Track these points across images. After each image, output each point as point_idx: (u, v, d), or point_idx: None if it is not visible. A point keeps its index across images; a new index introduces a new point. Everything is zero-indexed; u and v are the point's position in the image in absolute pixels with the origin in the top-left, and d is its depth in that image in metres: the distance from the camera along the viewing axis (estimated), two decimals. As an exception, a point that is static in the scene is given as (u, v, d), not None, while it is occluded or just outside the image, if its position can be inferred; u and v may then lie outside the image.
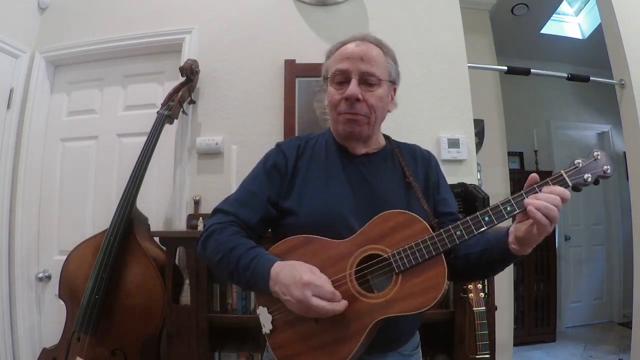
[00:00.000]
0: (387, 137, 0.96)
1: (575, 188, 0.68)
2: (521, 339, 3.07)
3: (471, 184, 1.58)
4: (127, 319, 1.39)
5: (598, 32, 2.75)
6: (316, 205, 0.82)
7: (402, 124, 1.77)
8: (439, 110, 1.79)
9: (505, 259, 0.74)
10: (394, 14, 1.87)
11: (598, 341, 3.26)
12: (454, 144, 1.74)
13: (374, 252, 0.74)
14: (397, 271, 0.71)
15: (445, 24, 1.87)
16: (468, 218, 0.70)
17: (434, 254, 0.70)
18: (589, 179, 0.67)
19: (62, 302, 1.48)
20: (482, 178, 2.27)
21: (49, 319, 1.78)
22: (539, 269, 3.32)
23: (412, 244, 0.71)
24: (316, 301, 0.67)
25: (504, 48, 3.05)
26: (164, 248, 1.47)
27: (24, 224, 1.80)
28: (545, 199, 0.64)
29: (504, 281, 2.22)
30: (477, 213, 0.69)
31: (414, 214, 0.74)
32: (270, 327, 0.77)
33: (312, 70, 1.68)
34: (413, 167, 0.90)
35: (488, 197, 1.45)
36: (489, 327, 1.25)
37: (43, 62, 1.92)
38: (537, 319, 3.28)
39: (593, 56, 3.22)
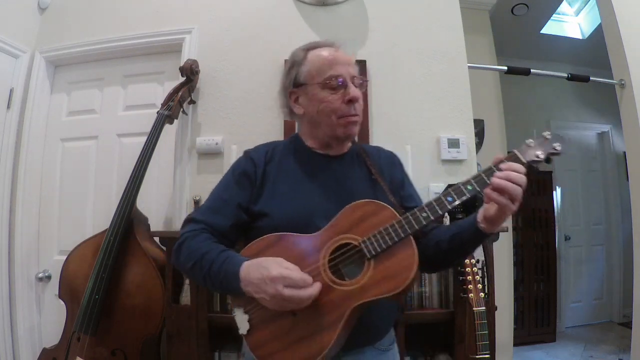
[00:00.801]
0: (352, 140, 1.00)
1: (530, 167, 0.71)
2: (521, 339, 3.07)
3: (471, 184, 1.58)
4: (127, 319, 1.39)
5: (598, 32, 2.75)
6: (288, 206, 0.84)
7: (402, 124, 1.77)
8: (439, 110, 1.79)
9: (476, 240, 0.77)
10: (394, 14, 1.87)
11: (598, 341, 3.26)
12: (454, 144, 1.74)
13: (345, 241, 0.75)
14: (368, 257, 0.73)
15: (445, 24, 1.87)
16: (432, 200, 0.73)
17: (402, 236, 0.72)
18: (541, 156, 0.71)
19: (62, 302, 1.48)
20: (482, 178, 2.26)
21: (49, 319, 1.78)
22: (539, 269, 3.33)
23: (381, 229, 0.73)
24: (288, 292, 0.68)
25: (504, 48, 3.06)
26: (164, 248, 1.47)
27: (24, 224, 1.80)
28: (503, 177, 0.67)
29: (504, 281, 2.22)
30: (440, 194, 0.73)
31: (381, 202, 0.77)
32: (247, 327, 0.77)
33: (312, 70, 1.67)
34: (378, 166, 0.94)
35: (488, 197, 1.45)
36: (489, 327, 1.25)
37: (43, 62, 1.91)
38: (537, 319, 3.28)
39: (593, 56, 3.22)
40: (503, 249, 2.19)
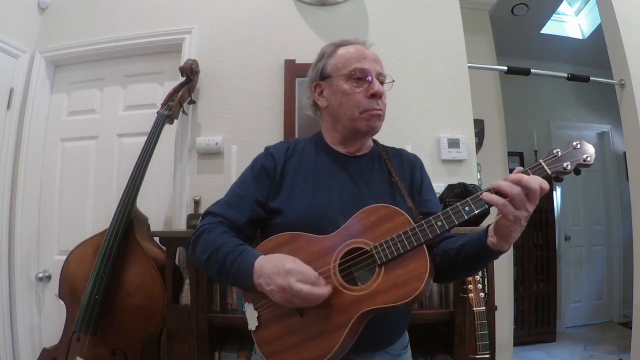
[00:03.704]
0: (374, 141, 0.99)
1: (557, 178, 0.67)
2: (521, 339, 3.07)
3: (471, 184, 1.58)
4: (127, 319, 1.39)
5: (598, 32, 2.75)
6: (304, 205, 0.83)
7: (402, 124, 1.77)
8: (439, 110, 1.79)
9: (482, 254, 0.72)
10: (394, 14, 1.87)
11: (598, 341, 3.26)
12: (454, 144, 1.74)
13: (357, 245, 0.74)
14: (379, 263, 0.71)
15: (445, 24, 1.87)
16: (448, 208, 0.70)
17: (415, 244, 0.70)
18: (569, 167, 0.66)
19: (62, 302, 1.48)
20: (482, 178, 2.27)
21: (49, 319, 1.78)
22: (539, 269, 3.33)
23: (394, 235, 0.71)
24: (299, 285, 0.67)
25: (504, 48, 3.06)
26: (164, 248, 1.47)
27: (24, 224, 1.80)
28: (508, 181, 0.64)
29: (504, 281, 2.22)
30: (458, 203, 0.69)
31: (395, 207, 0.76)
32: (256, 323, 0.77)
33: (312, 70, 1.67)
34: (399, 169, 0.93)
35: (488, 197, 1.45)
36: (489, 327, 1.25)
37: (43, 62, 1.91)
38: (537, 319, 3.28)
39: (593, 56, 3.22)
40: (503, 249, 2.19)
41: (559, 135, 3.78)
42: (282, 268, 0.69)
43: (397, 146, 1.03)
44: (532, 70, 2.10)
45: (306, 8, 1.87)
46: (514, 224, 0.64)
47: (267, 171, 0.88)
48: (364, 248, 0.74)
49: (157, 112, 1.61)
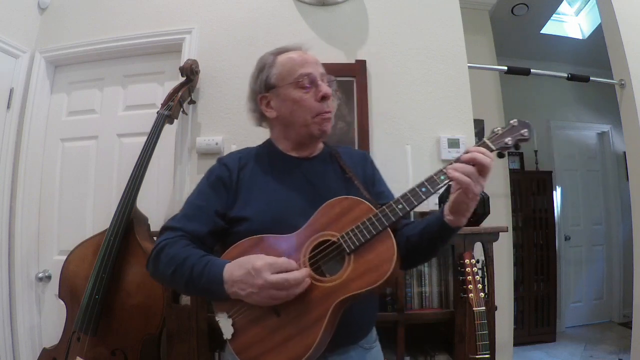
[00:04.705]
0: (324, 142, 1.01)
1: (500, 154, 0.76)
2: (521, 339, 3.07)
3: (471, 184, 1.58)
4: (127, 318, 1.39)
5: (598, 32, 2.75)
6: (264, 210, 0.84)
7: (402, 124, 1.77)
8: (439, 110, 1.79)
9: (443, 233, 0.77)
10: (394, 14, 1.87)
11: (598, 341, 3.26)
12: (454, 144, 1.74)
13: (325, 238, 0.76)
14: (348, 252, 0.73)
15: (445, 23, 1.87)
16: (407, 191, 0.75)
17: (380, 229, 0.73)
18: (510, 142, 0.74)
19: (62, 302, 1.48)
20: (482, 178, 2.26)
21: (49, 319, 1.78)
22: (539, 269, 3.33)
23: (359, 223, 0.74)
24: (275, 277, 0.68)
25: (504, 48, 3.06)
26: (164, 248, 1.47)
27: (24, 224, 1.80)
28: (462, 160, 0.71)
29: (504, 281, 2.22)
30: (414, 186, 0.74)
31: (357, 198, 0.78)
32: (232, 331, 0.76)
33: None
34: (352, 165, 0.95)
35: (488, 197, 1.45)
36: (489, 327, 1.25)
37: (43, 62, 1.91)
38: (537, 319, 3.28)
39: (593, 56, 3.22)
40: (503, 249, 2.19)
41: (559, 135, 3.79)
42: (252, 269, 0.69)
43: (396, 146, 1.04)
44: (532, 70, 2.10)
45: (306, 8, 1.87)
46: (472, 200, 0.71)
47: (223, 181, 0.89)
48: (331, 239, 0.75)
49: (157, 112, 1.61)
